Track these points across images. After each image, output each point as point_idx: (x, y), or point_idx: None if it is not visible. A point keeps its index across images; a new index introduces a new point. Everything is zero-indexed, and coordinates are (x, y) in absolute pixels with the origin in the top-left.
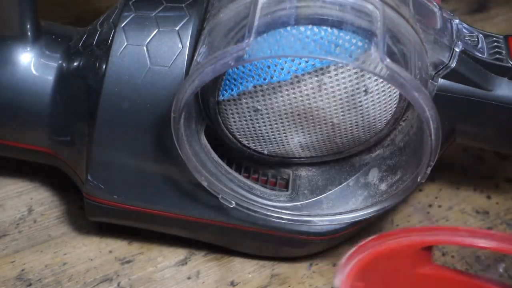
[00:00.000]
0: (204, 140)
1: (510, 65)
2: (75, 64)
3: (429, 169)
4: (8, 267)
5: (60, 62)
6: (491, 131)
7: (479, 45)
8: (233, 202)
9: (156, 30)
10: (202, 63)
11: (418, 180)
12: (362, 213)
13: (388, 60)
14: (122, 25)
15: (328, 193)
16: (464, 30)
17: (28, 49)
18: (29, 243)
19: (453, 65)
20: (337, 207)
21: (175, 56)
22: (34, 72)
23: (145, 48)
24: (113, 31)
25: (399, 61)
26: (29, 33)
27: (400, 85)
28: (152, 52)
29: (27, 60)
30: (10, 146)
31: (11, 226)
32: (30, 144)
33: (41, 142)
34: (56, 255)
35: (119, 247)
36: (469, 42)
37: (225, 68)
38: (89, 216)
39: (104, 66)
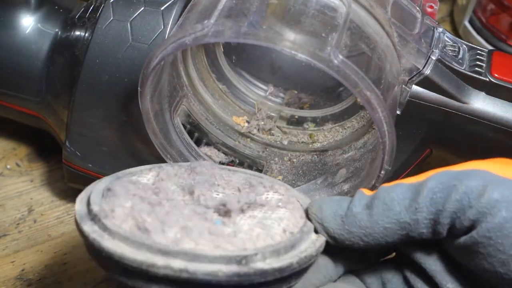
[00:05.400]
0: (177, 120)
1: (487, 79)
2: (68, 34)
3: (383, 172)
4: (8, 267)
5: (56, 30)
6: (466, 146)
7: (459, 56)
8: None
9: (142, 8)
10: (165, 41)
11: (372, 182)
12: None
13: (340, 57)
14: (112, 0)
15: (296, 188)
16: (446, 39)
17: (30, 15)
18: (29, 243)
19: (427, 72)
20: None
21: (156, 35)
22: (31, 37)
23: (128, 24)
24: (102, 5)
25: (361, 60)
26: (32, 0)
27: (351, 84)
28: (135, 29)
29: (27, 25)
30: (3, 106)
31: (11, 226)
32: (22, 107)
33: (31, 106)
34: (56, 255)
35: None
36: (449, 52)
37: (184, 47)
38: (68, 181)
39: (89, 38)
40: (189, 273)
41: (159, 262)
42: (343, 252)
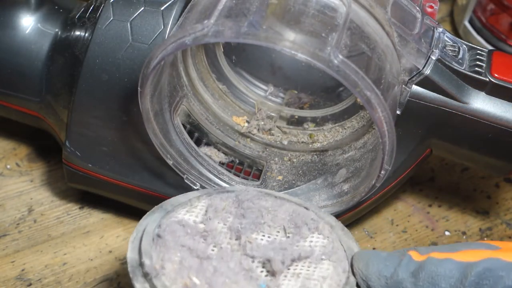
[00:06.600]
0: (177, 120)
1: (487, 79)
2: (68, 34)
3: (383, 172)
4: (8, 267)
5: (56, 30)
6: (467, 146)
7: (459, 56)
8: (197, 184)
9: (142, 8)
10: (165, 41)
11: (373, 182)
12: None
13: (340, 57)
14: (112, 0)
15: (296, 188)
16: (446, 39)
17: (30, 15)
18: (29, 243)
19: (427, 72)
20: None
21: (156, 35)
22: (31, 37)
23: (129, 24)
24: (102, 5)
25: (361, 60)
26: (32, 0)
27: (351, 84)
28: (135, 29)
29: (27, 25)
30: (3, 106)
31: (11, 226)
32: (22, 107)
33: (31, 106)
34: (56, 255)
35: (119, 247)
36: (449, 52)
37: (184, 47)
38: (68, 181)
39: (89, 38)
40: None
41: None
42: None
